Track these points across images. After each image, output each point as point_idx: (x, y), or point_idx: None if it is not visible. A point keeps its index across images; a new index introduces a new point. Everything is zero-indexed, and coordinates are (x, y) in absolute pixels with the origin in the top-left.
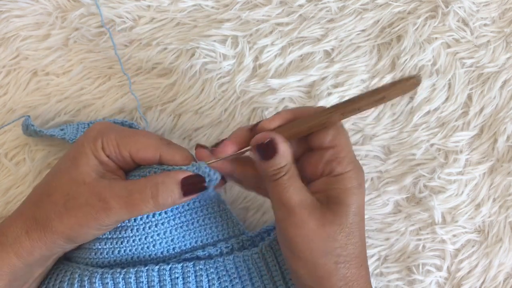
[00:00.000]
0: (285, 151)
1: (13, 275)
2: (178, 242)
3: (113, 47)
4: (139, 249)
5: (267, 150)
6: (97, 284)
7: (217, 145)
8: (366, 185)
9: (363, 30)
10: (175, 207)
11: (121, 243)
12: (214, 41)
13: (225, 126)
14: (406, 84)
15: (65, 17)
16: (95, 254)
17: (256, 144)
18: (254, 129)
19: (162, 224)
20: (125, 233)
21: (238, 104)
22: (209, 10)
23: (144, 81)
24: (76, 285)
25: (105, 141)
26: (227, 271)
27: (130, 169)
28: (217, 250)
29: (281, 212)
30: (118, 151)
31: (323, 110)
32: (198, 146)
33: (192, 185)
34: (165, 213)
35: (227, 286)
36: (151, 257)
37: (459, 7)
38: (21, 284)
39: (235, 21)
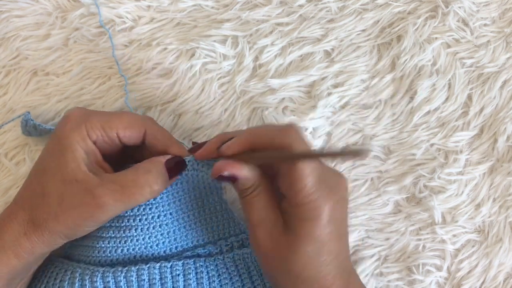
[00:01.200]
0: (246, 176)
1: (12, 275)
2: (180, 241)
3: (114, 47)
4: (142, 248)
5: (229, 179)
6: (98, 283)
7: (194, 149)
8: (366, 185)
9: (363, 30)
10: (180, 208)
11: (125, 242)
12: (214, 41)
13: (225, 126)
14: (356, 156)
15: (65, 17)
16: (98, 252)
17: (217, 177)
18: (218, 152)
19: (166, 225)
20: (129, 232)
21: (238, 104)
22: (209, 10)
23: (144, 81)
24: (77, 284)
25: (88, 126)
26: (227, 268)
27: (117, 153)
28: (217, 248)
29: (247, 226)
30: (105, 134)
31: (278, 152)
32: (194, 144)
33: (175, 167)
34: (170, 214)
35: (227, 283)
36: (154, 256)
37: (459, 7)
38: (18, 282)
39: (235, 21)
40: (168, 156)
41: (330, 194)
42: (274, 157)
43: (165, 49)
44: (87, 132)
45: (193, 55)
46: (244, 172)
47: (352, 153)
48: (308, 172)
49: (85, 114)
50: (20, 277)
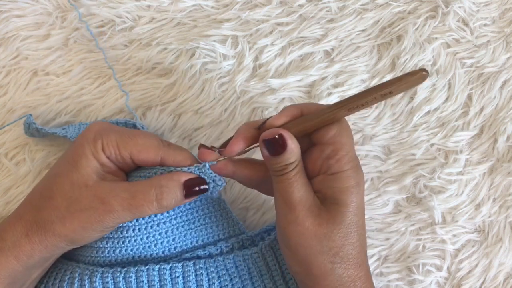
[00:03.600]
0: (294, 147)
1: (12, 278)
2: (179, 242)
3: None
4: (141, 248)
5: (276, 146)
6: (97, 283)
7: (224, 145)
8: (366, 185)
9: (363, 30)
10: (177, 206)
11: (123, 242)
12: (214, 41)
13: (225, 126)
14: (413, 78)
15: (65, 17)
16: (97, 252)
17: (264, 140)
18: (261, 127)
19: (164, 223)
20: (126, 233)
21: (238, 104)
22: (209, 10)
23: (144, 81)
24: (76, 284)
25: (105, 142)
26: (227, 270)
27: (129, 170)
28: (217, 249)
29: (282, 207)
30: (118, 152)
31: (329, 106)
32: (202, 146)
33: (194, 187)
34: (167, 212)
35: (227, 285)
36: (153, 256)
37: (459, 7)
38: (18, 287)
39: (235, 21)
40: (191, 175)
41: (360, 170)
42: (327, 113)
43: (165, 49)
44: (102, 146)
45: (193, 55)
46: (294, 141)
47: (411, 76)
48: (350, 141)
49: (105, 128)
50: (20, 283)
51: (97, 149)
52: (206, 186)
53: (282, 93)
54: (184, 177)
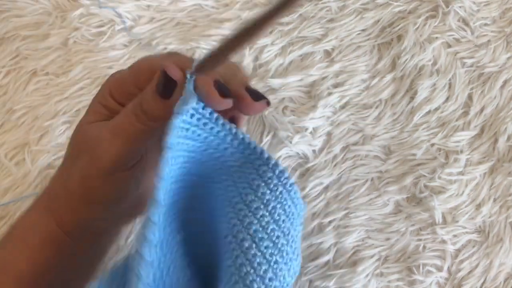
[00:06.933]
0: None
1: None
2: None
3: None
4: None
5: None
6: None
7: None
8: (367, 185)
9: (363, 30)
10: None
11: None
12: (214, 41)
13: None
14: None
15: (64, 16)
16: None
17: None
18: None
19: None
20: None
21: None
22: (209, 10)
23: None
24: None
25: (113, 90)
26: None
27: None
28: None
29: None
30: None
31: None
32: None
33: (166, 83)
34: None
35: None
36: None
37: (460, 7)
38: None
39: (235, 21)
40: (157, 76)
41: None
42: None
43: (165, 49)
44: (111, 95)
45: (193, 55)
46: None
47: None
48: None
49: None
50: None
51: (106, 98)
52: (175, 74)
53: (282, 93)
54: (155, 81)
